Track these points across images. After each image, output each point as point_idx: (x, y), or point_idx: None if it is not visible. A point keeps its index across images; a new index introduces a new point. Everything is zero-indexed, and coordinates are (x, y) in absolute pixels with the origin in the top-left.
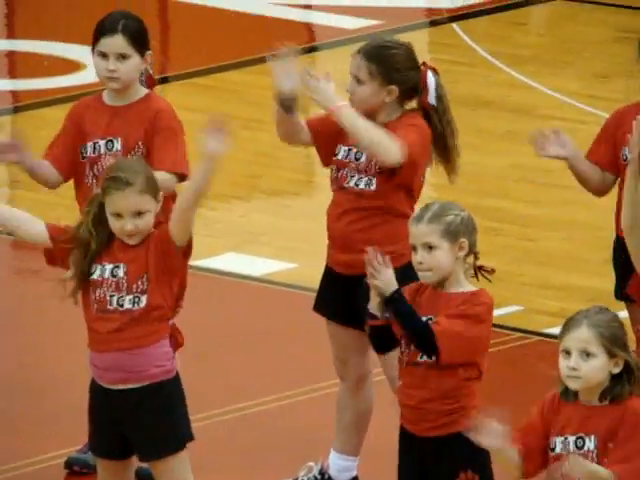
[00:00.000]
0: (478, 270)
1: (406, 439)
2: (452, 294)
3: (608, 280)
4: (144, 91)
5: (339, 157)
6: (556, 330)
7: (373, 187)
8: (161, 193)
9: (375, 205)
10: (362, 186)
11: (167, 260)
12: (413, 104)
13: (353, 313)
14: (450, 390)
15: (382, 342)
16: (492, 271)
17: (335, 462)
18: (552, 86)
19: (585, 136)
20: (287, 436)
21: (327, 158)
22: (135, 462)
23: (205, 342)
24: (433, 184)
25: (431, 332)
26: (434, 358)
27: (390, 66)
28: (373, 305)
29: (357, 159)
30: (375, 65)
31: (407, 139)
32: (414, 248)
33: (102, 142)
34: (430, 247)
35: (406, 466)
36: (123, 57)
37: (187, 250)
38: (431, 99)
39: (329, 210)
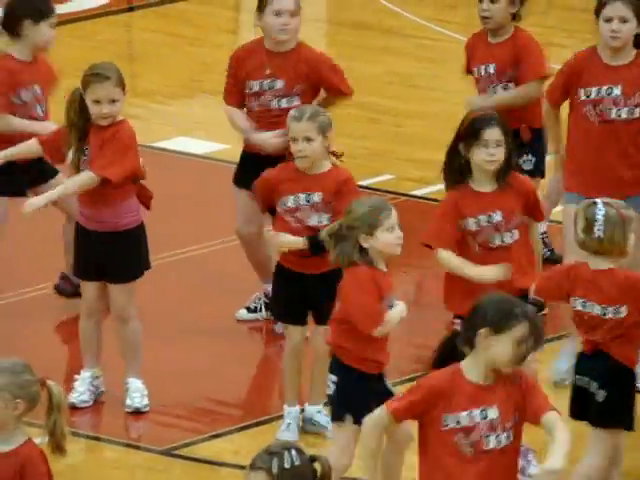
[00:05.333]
0: (330, 153)
1: (290, 276)
2: (320, 173)
3: None
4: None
5: None
6: (419, 192)
7: None
8: None
9: None
10: None
11: None
12: None
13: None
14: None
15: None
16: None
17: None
18: (414, 12)
19: (437, 50)
20: (227, 275)
21: None
22: None
23: (161, 202)
24: None
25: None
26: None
27: None
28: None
29: None
30: None
31: None
32: (295, 140)
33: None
34: (309, 139)
35: (289, 296)
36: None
37: None
38: None
39: None
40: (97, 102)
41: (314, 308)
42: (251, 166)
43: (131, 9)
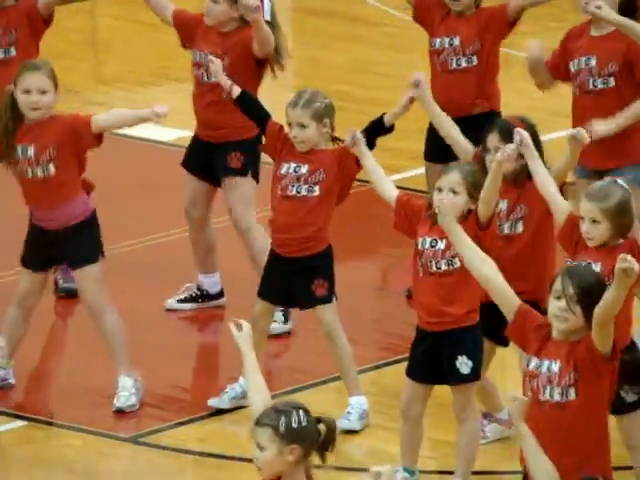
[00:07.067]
0: (334, 139)
1: (276, 261)
2: (319, 150)
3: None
4: None
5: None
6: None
7: None
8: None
9: None
10: None
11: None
12: None
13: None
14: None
15: None
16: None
17: (204, 280)
18: (380, 1)
19: (403, 38)
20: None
21: None
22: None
23: (127, 190)
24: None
25: None
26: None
27: None
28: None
29: None
30: None
31: None
32: (290, 124)
33: None
34: (302, 125)
35: (272, 283)
36: None
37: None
38: (266, 16)
39: None
40: (27, 92)
41: (298, 291)
42: (199, 151)
43: None
